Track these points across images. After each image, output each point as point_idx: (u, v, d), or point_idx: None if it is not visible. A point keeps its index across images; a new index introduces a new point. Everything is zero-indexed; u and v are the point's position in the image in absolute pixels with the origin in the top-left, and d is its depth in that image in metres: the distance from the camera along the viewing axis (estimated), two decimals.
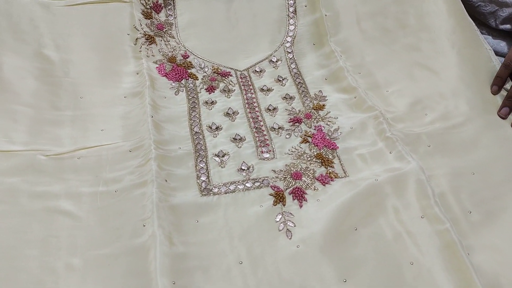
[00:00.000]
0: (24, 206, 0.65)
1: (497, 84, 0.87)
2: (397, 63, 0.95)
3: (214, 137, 0.82)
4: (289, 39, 1.03)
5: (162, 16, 1.03)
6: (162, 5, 1.02)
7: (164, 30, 1.01)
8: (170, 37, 1.00)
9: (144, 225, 0.64)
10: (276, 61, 0.99)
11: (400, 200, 0.69)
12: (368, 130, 0.82)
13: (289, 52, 1.01)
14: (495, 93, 0.87)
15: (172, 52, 0.98)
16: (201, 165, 0.76)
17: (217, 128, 0.83)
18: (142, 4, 0.99)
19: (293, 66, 0.98)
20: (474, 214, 0.69)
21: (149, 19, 1.00)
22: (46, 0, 0.92)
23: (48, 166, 0.71)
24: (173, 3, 1.02)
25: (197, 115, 0.85)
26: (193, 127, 0.83)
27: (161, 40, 0.99)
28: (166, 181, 0.71)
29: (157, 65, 0.94)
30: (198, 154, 0.78)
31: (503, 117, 0.83)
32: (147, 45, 0.96)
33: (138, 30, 0.96)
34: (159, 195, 0.67)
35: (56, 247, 0.62)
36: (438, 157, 0.77)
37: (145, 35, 0.97)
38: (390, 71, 0.94)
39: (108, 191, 0.69)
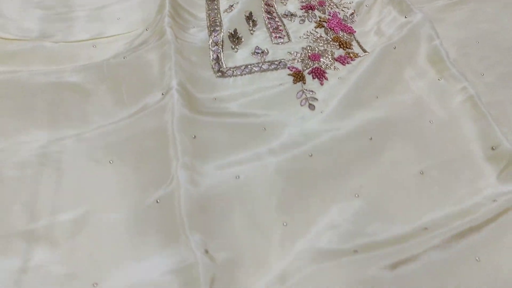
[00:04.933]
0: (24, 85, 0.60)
1: None
2: None
3: (228, 12, 0.77)
4: None
5: None
6: None
7: None
8: None
9: (162, 94, 0.61)
10: None
11: (415, 69, 0.68)
12: (384, 2, 0.79)
13: None
14: None
15: None
16: (215, 39, 0.72)
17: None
18: None
19: None
20: (486, 76, 0.70)
21: None
22: None
23: (57, 52, 0.67)
24: None
25: None
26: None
27: None
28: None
29: None
30: (212, 29, 0.74)
31: None
32: None
33: None
34: (177, 57, 0.64)
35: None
36: (441, 30, 0.75)
37: None
38: None
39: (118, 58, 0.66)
